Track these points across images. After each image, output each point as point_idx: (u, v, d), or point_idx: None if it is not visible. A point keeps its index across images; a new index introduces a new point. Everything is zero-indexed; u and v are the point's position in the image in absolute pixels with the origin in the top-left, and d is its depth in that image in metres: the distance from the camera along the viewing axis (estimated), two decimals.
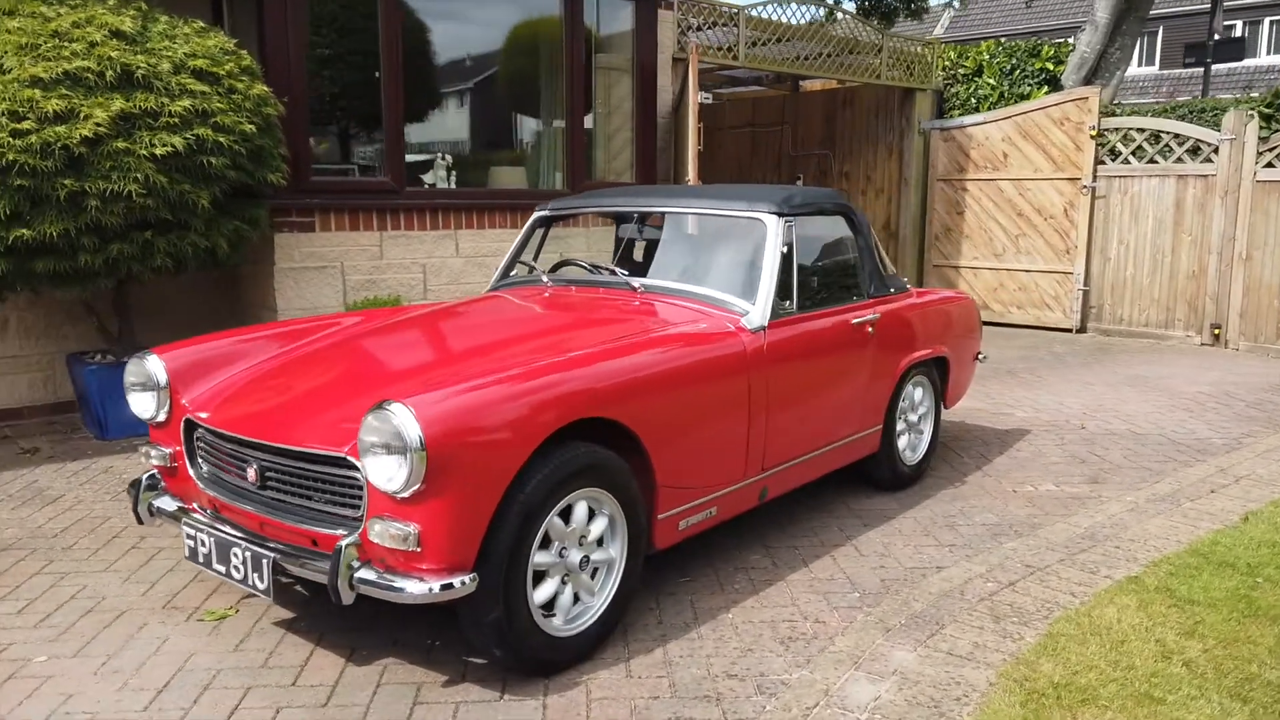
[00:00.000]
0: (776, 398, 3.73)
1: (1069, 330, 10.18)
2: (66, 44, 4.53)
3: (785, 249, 3.90)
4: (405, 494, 2.55)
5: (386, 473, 2.55)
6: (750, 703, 2.83)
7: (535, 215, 4.65)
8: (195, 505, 3.23)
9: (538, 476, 2.77)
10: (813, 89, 12.20)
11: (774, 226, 3.91)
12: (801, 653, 3.13)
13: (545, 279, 4.33)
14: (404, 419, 2.51)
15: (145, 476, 3.32)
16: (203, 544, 3.01)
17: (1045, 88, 11.14)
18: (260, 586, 2.84)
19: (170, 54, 4.78)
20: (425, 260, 6.38)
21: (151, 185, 4.53)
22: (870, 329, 4.29)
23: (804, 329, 3.91)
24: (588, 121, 7.43)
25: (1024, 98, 10.79)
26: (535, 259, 4.68)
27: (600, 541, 3.09)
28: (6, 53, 4.44)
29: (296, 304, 5.87)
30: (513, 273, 4.59)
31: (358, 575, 2.63)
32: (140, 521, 3.29)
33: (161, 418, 3.34)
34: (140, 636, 3.21)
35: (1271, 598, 3.49)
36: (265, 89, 5.14)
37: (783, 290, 3.88)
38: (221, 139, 4.76)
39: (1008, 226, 10.56)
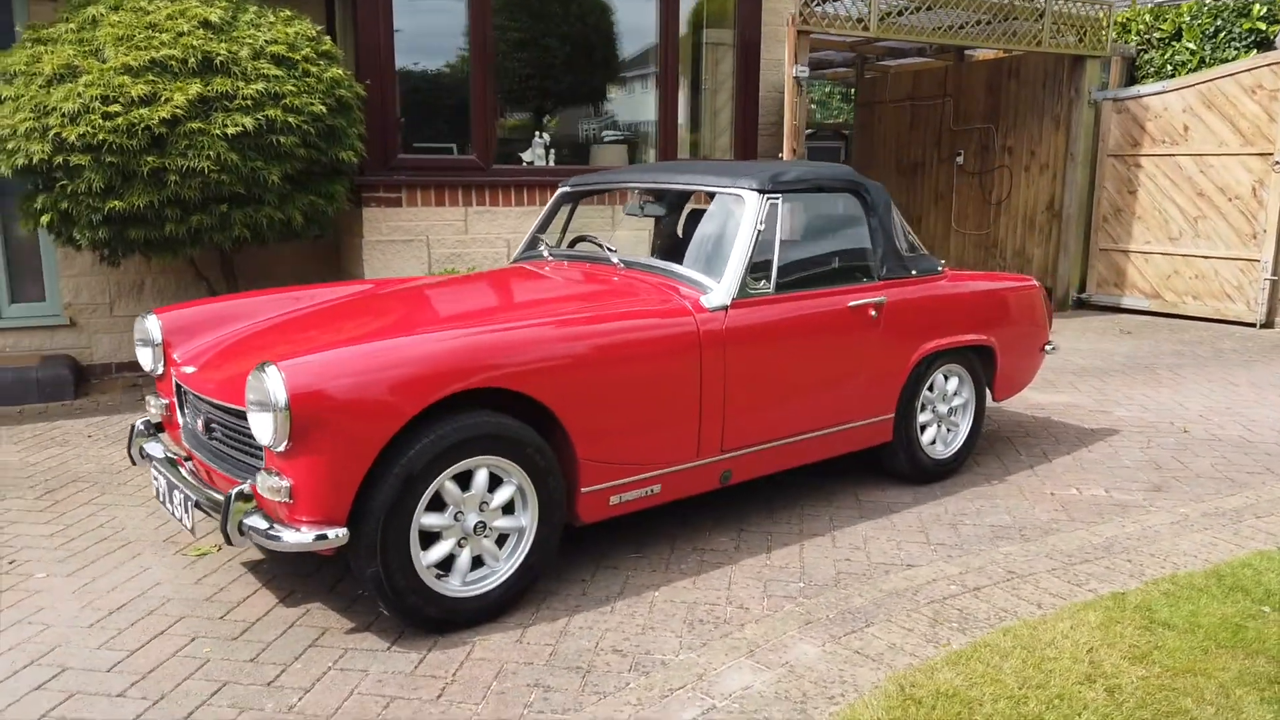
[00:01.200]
0: (740, 379, 3.65)
1: (1251, 325, 9.12)
2: (158, 34, 5.05)
3: (764, 227, 3.80)
4: (280, 449, 2.75)
5: (262, 429, 2.75)
6: (617, 678, 2.84)
7: (559, 191, 4.74)
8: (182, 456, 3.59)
9: (422, 441, 2.88)
10: (981, 58, 11.50)
11: (753, 204, 3.81)
12: (703, 636, 3.09)
13: (546, 253, 4.43)
14: (274, 380, 2.70)
15: (140, 423, 3.71)
16: (161, 485, 3.35)
17: (1254, 51, 9.97)
18: (187, 525, 3.14)
19: (252, 41, 5.22)
20: (509, 235, 6.61)
21: (223, 162, 4.99)
22: (874, 312, 4.09)
23: (781, 310, 3.79)
24: (691, 98, 7.40)
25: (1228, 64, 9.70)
26: (563, 233, 4.78)
27: (511, 509, 3.18)
28: (107, 43, 5.01)
29: (383, 274, 6.25)
30: (540, 248, 4.70)
31: (246, 521, 2.85)
32: (134, 463, 3.69)
33: (159, 371, 3.72)
34: (128, 565, 3.61)
35: (1267, 630, 3.09)
36: (340, 72, 5.51)
37: (760, 269, 3.79)
38: (291, 119, 5.16)
39: (1185, 207, 9.57)
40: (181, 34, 5.08)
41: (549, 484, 3.19)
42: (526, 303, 3.60)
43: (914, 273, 4.35)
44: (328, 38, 5.64)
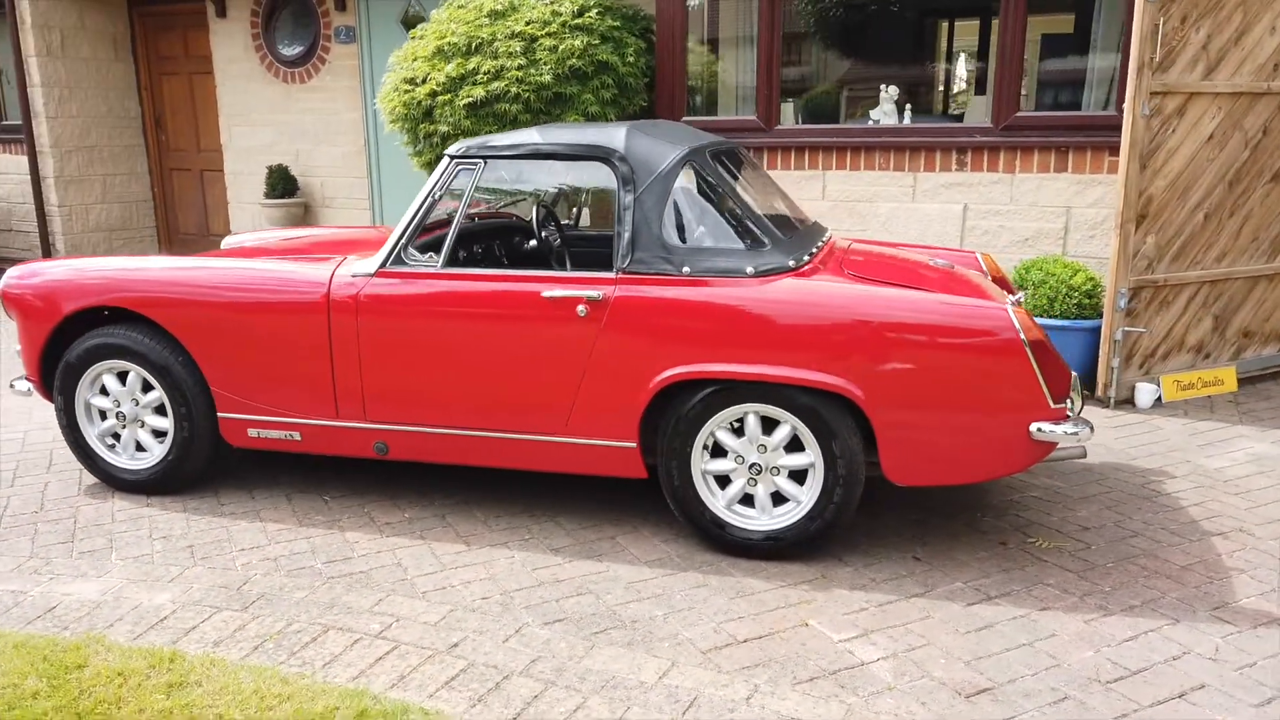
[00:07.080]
0: (377, 351, 3.54)
1: None
2: (455, 25, 6.33)
3: (440, 194, 3.47)
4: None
5: None
6: (57, 567, 3.45)
7: None
8: None
9: (76, 340, 3.85)
10: None
11: (441, 168, 3.49)
12: (138, 564, 3.40)
13: None
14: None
15: None
16: None
17: None
18: None
19: (513, 24, 6.12)
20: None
21: (460, 127, 6.09)
22: (582, 309, 3.29)
23: (440, 287, 3.44)
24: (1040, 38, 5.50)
25: None
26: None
27: (167, 413, 3.89)
28: (429, 39, 6.48)
29: None
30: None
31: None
32: None
33: None
34: None
35: None
36: (577, 44, 5.97)
37: (434, 241, 3.50)
38: (513, 89, 5.95)
39: None
40: (468, 23, 6.26)
41: (182, 398, 3.78)
42: (257, 250, 4.03)
43: (685, 270, 3.25)
44: (593, 12, 6.15)
